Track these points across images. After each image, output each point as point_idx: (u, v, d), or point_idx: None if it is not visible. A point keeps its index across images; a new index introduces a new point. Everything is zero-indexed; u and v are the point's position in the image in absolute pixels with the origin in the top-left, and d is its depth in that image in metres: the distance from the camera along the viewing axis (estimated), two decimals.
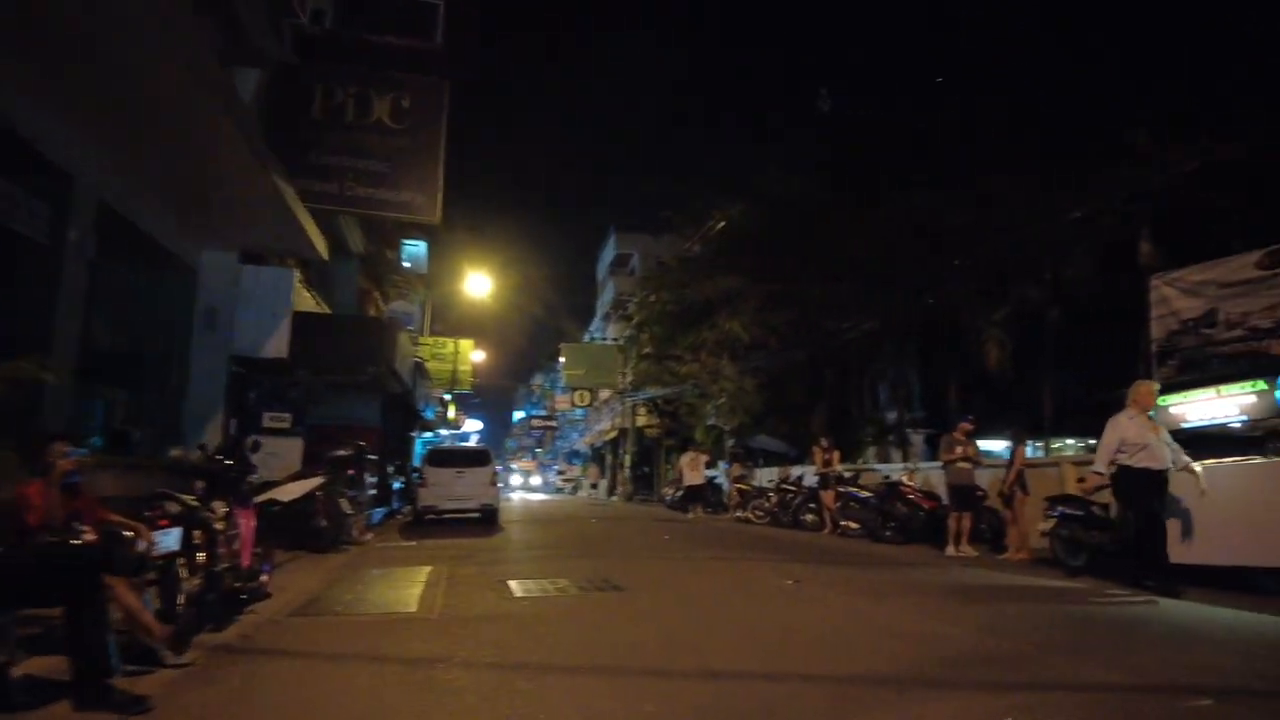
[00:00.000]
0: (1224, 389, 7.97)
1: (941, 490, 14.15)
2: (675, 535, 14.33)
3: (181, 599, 4.91)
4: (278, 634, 5.50)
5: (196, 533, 5.21)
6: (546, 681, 4.27)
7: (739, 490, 20.63)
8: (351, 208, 14.93)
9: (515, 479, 58.31)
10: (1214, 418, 8.08)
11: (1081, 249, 14.32)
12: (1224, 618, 6.20)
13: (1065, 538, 10.17)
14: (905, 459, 20.31)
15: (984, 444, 13.78)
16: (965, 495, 11.99)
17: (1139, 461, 7.37)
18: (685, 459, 20.14)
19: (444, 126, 15.33)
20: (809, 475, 19.46)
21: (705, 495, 20.42)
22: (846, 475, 16.51)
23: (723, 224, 22.97)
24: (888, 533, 13.83)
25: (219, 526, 5.69)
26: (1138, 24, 15.51)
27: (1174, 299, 13.23)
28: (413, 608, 6.50)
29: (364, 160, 14.98)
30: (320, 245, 12.54)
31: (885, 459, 20.67)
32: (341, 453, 12.09)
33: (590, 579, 8.03)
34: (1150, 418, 7.52)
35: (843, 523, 15.26)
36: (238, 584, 6.04)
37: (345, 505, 11.55)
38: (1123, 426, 7.54)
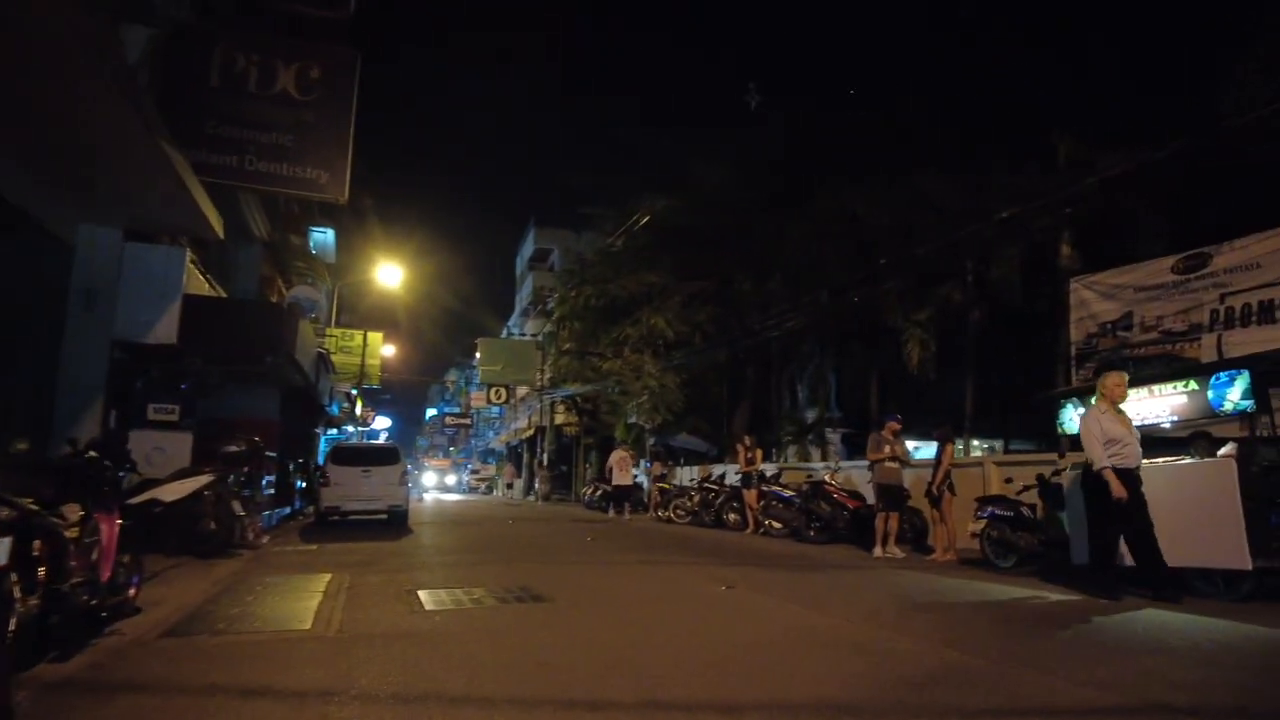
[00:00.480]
0: (1157, 389, 7.81)
1: (865, 490, 14.04)
2: (598, 537, 13.74)
3: (13, 625, 4.03)
4: (138, 661, 4.65)
5: (35, 542, 4.32)
6: (462, 717, 3.63)
7: (660, 489, 20.20)
8: (252, 184, 13.78)
9: (429, 478, 55.23)
10: (1145, 418, 7.93)
11: (1005, 251, 14.38)
12: (1175, 623, 6.01)
13: (995, 539, 10.06)
14: (824, 458, 20.29)
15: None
16: (893, 495, 11.79)
17: (1118, 461, 7.09)
18: (615, 457, 19.57)
19: (354, 100, 14.36)
20: (731, 474, 19.20)
21: (633, 495, 20.01)
22: (769, 474, 16.28)
23: (646, 219, 22.47)
24: (811, 532, 13.61)
25: (71, 534, 4.79)
26: (1072, 32, 15.72)
27: (1093, 301, 13.42)
28: (307, 624, 5.71)
29: (267, 133, 13.89)
30: (216, 222, 11.48)
31: (805, 458, 20.58)
32: (234, 448, 11.02)
33: (509, 588, 7.37)
34: (1120, 411, 7.29)
35: (766, 522, 14.98)
36: (95, 601, 5.14)
37: (237, 506, 10.52)
38: (1102, 421, 7.22)
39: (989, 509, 10.18)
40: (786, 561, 10.47)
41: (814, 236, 17.62)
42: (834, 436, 23.08)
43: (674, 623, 5.88)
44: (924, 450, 19.99)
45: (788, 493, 15.05)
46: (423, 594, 7.09)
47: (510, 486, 47.25)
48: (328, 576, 8.20)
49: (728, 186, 19.56)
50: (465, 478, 59.99)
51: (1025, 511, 10.13)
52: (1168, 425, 8.08)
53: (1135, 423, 8.46)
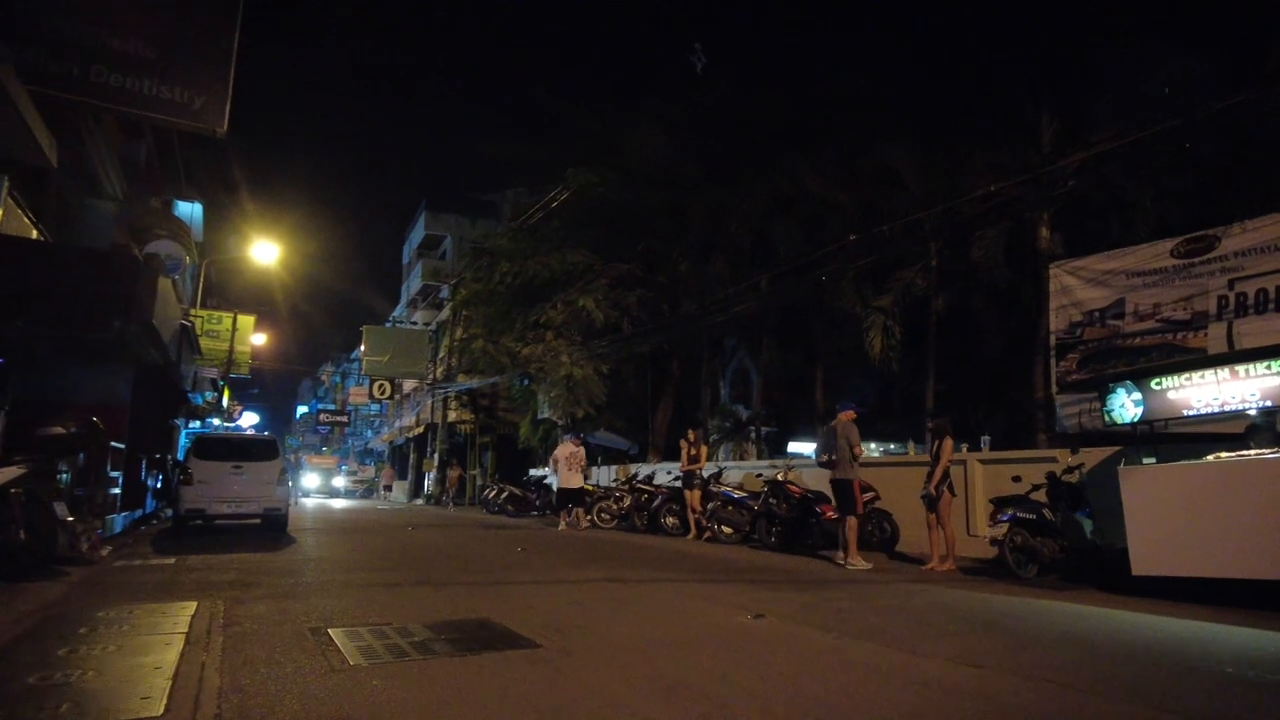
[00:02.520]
0: (1243, 369, 6.52)
1: (825, 490, 12.58)
2: (530, 547, 11.62)
3: None
4: None
5: None
6: None
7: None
8: (101, 100, 10.97)
9: (311, 479, 49.34)
10: (1226, 403, 6.63)
11: (978, 233, 13.24)
12: (1240, 639, 4.71)
13: (1019, 546, 8.70)
14: (758, 456, 18.84)
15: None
16: (849, 496, 10.22)
17: None
18: (562, 451, 16.14)
19: (239, 9, 11.79)
20: (662, 474, 17.43)
21: (584, 499, 16.72)
22: (708, 474, 14.63)
23: (567, 195, 20.43)
24: (772, 539, 12.00)
25: None
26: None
27: (1076, 288, 12.42)
28: (158, 706, 3.46)
29: (123, 39, 11.17)
30: (46, 143, 8.84)
31: (741, 456, 19.04)
32: (59, 430, 8.28)
33: (459, 624, 5.28)
34: None
35: (716, 526, 13.30)
36: None
37: (62, 509, 7.84)
38: None
39: (1010, 512, 8.81)
40: (770, 575, 8.76)
41: (761, 214, 16.11)
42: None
43: (739, 683, 3.96)
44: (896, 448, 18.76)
45: (738, 494, 13.42)
46: (337, 635, 4.91)
47: (388, 489, 43.78)
48: (192, 607, 5.84)
49: (663, 159, 17.81)
50: (343, 479, 55.16)
51: (1047, 515, 8.82)
52: (1253, 411, 6.80)
53: (1215, 407, 7.24)
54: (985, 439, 12.16)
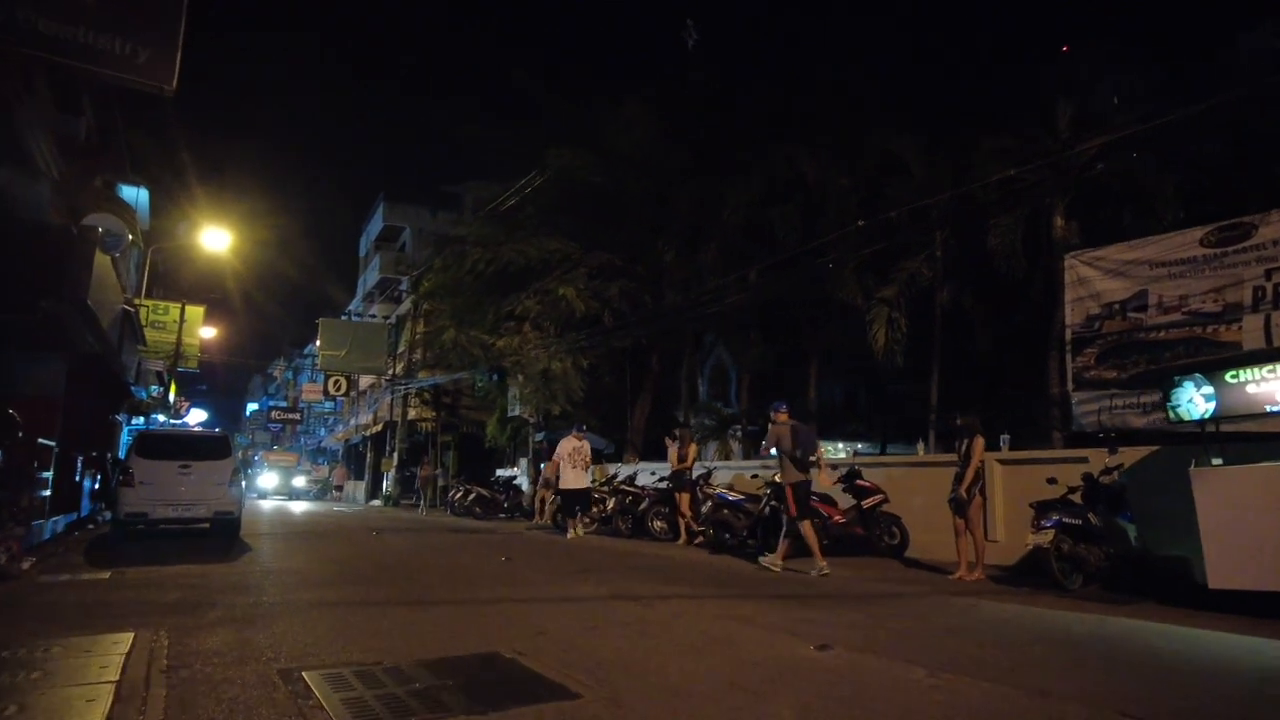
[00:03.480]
0: None
1: (829, 492, 11.77)
2: (512, 555, 10.55)
3: None
4: None
5: None
6: None
7: (549, 494, 17.13)
8: (30, 47, 9.57)
9: (268, 479, 43.46)
10: None
11: (988, 222, 12.52)
12: None
13: (1066, 554, 7.92)
14: (745, 455, 18.01)
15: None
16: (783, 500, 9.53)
17: None
18: (566, 447, 13.87)
19: None
20: (641, 474, 16.44)
21: (590, 502, 14.76)
22: (697, 475, 13.70)
23: (541, 181, 19.34)
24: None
25: None
26: None
27: (1095, 279, 11.75)
28: None
29: None
30: None
31: (727, 455, 18.17)
32: None
33: (465, 661, 4.27)
34: None
35: (708, 531, 12.39)
36: None
37: None
38: None
39: (1054, 517, 8.02)
40: (793, 588, 7.86)
41: (756, 202, 15.23)
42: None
43: None
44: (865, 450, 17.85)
45: (734, 496, 12.51)
46: (315, 680, 3.87)
47: (339, 489, 41.93)
48: (128, 640, 4.72)
49: (649, 144, 16.82)
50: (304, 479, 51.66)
51: (1092, 520, 8.07)
52: None
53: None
54: (1005, 438, 11.45)
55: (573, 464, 13.80)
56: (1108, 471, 8.80)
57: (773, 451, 9.59)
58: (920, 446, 14.46)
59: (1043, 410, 12.78)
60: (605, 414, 21.19)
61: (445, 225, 35.47)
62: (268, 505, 29.57)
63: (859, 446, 27.54)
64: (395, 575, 8.36)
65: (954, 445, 9.55)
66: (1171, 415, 7.38)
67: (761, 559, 9.61)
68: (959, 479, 9.06)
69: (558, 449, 14.03)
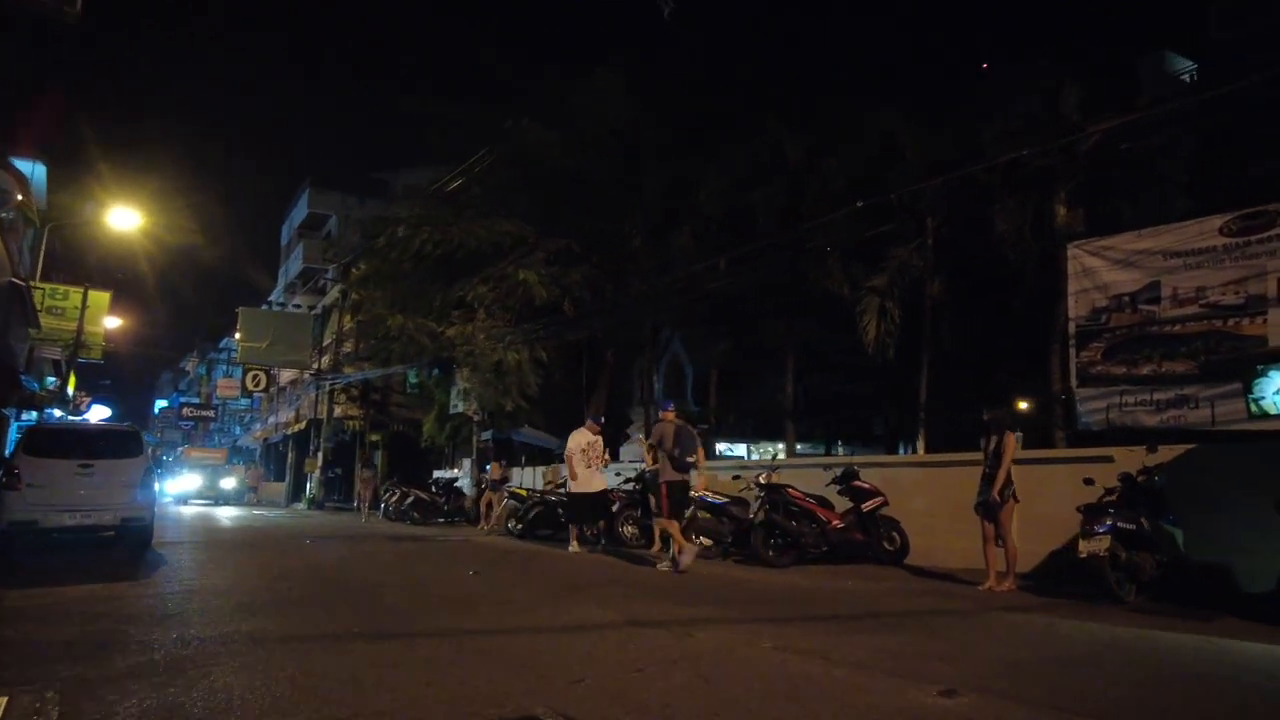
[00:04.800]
0: None
1: (827, 495, 10.82)
2: (476, 567, 9.20)
3: None
4: None
5: None
6: None
7: (511, 496, 15.75)
8: None
9: (188, 481, 36.50)
10: None
11: (985, 209, 11.79)
12: None
13: (1123, 563, 7.11)
14: (711, 453, 16.96)
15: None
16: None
17: None
18: (580, 441, 11.43)
19: None
20: (595, 476, 15.19)
21: (605, 510, 12.25)
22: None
23: (491, 160, 17.93)
24: (771, 552, 10.07)
25: None
26: None
27: (1101, 270, 11.10)
28: None
29: None
30: None
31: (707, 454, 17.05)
32: None
33: None
34: None
35: (695, 538, 11.27)
36: None
37: None
38: None
39: (1108, 522, 7.18)
40: (820, 604, 6.81)
41: (735, 187, 14.21)
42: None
43: None
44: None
45: (717, 498, 11.44)
46: None
47: (254, 490, 39.13)
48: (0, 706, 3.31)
49: (617, 122, 15.61)
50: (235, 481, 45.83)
51: (1145, 525, 7.29)
52: None
53: None
54: (1018, 435, 10.66)
55: (586, 462, 11.41)
56: (1146, 472, 8.08)
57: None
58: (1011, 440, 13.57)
59: (1044, 408, 12.10)
60: (551, 411, 19.87)
61: (375, 213, 33.66)
62: (189, 512, 25.76)
63: (799, 447, 26.86)
64: (350, 595, 6.97)
65: (979, 443, 8.69)
66: (1253, 408, 6.64)
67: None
68: (989, 480, 8.17)
69: (568, 444, 11.57)
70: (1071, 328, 11.30)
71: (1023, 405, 15.98)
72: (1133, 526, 7.20)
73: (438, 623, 5.57)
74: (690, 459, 9.28)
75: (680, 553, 9.07)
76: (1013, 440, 8.23)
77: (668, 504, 9.20)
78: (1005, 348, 13.75)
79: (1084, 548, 7.17)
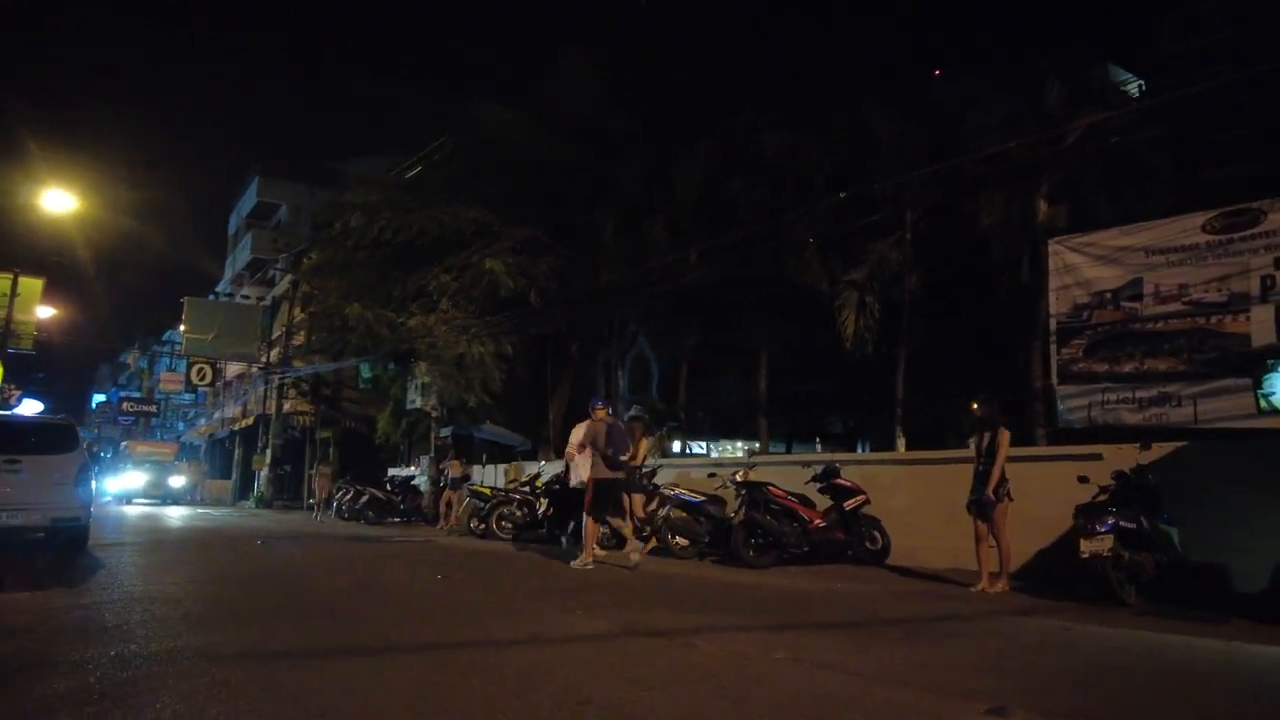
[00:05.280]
0: None
1: (807, 492, 10.50)
2: (450, 570, 8.65)
3: None
4: None
5: None
6: None
7: (473, 495, 15.15)
8: None
9: (132, 478, 31.84)
10: None
11: (965, 203, 11.59)
12: None
13: (1128, 564, 6.91)
14: (682, 450, 16.58)
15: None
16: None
17: None
18: (590, 430, 9.61)
19: None
20: (576, 474, 14.72)
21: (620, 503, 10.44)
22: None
23: (452, 148, 17.29)
24: (751, 552, 9.70)
25: None
26: None
27: (1083, 266, 10.97)
28: None
29: None
30: None
31: (662, 453, 16.66)
32: None
33: None
34: None
35: (671, 537, 10.90)
36: None
37: None
38: None
39: (1110, 521, 6.95)
40: (813, 608, 6.44)
41: (710, 177, 13.81)
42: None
43: None
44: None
45: (694, 496, 11.04)
46: None
47: (195, 488, 37.56)
48: None
49: (589, 108, 15.07)
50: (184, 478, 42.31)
51: (1145, 525, 7.08)
52: None
53: None
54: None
55: (602, 441, 9.40)
56: (1140, 470, 7.91)
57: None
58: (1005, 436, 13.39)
59: (1025, 405, 11.94)
60: (512, 408, 19.29)
61: (326, 203, 32.69)
62: (134, 512, 23.26)
63: (755, 445, 26.67)
64: (313, 603, 6.39)
65: (965, 441, 8.46)
66: (1263, 404, 6.45)
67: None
68: (981, 478, 7.91)
69: (582, 432, 9.97)
70: (1052, 324, 11.15)
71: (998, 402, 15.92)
72: (1134, 526, 6.98)
73: (415, 635, 5.05)
74: (622, 457, 9.16)
75: (590, 551, 9.13)
76: (1007, 437, 7.98)
77: (592, 502, 9.16)
78: (984, 344, 13.61)
79: (1086, 547, 6.93)
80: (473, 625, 5.38)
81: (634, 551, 9.10)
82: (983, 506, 7.88)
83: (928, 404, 13.71)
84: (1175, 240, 10.18)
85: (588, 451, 9.60)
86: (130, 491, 30.88)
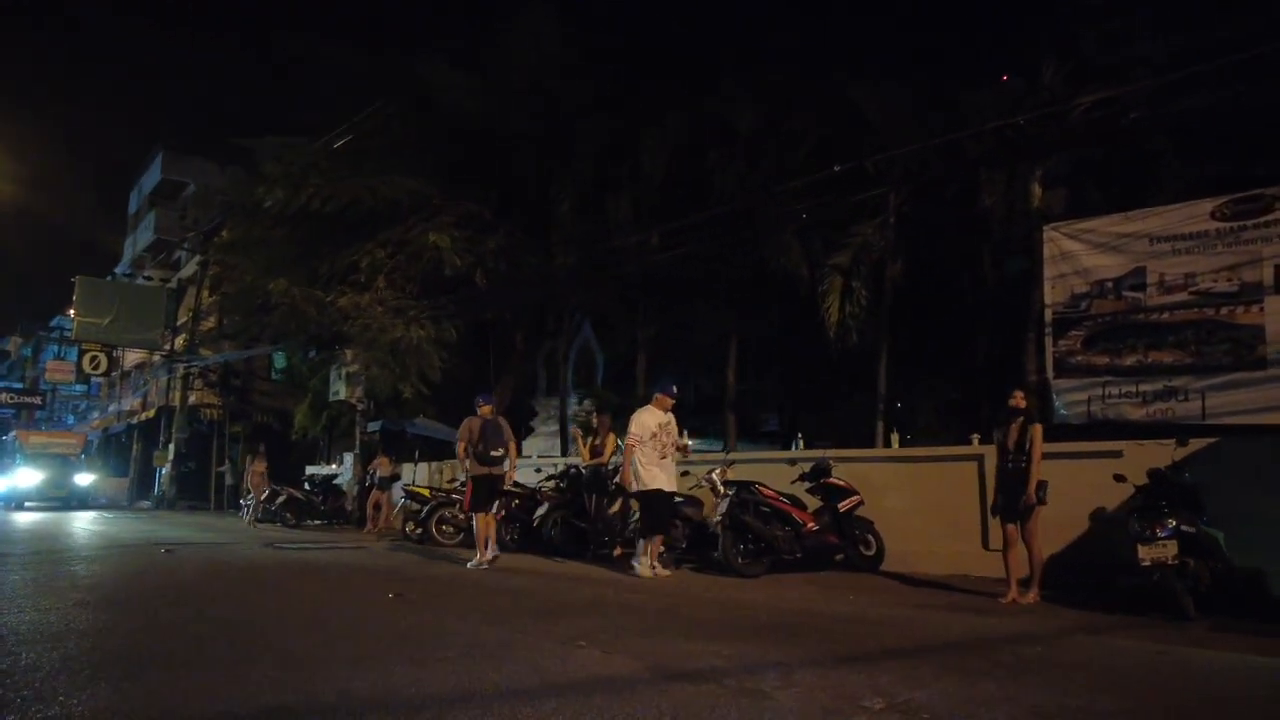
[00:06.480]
0: None
1: (795, 492, 9.57)
2: (401, 588, 7.34)
3: None
4: None
5: None
6: None
7: (411, 495, 13.70)
8: None
9: (28, 476, 25.87)
10: None
11: (984, 178, 10.85)
12: None
13: (1191, 572, 6.18)
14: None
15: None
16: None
17: None
18: (648, 422, 8.46)
19: None
20: (521, 471, 13.45)
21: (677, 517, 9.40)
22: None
23: (386, 115, 15.76)
24: (741, 559, 8.70)
25: None
26: None
27: (1081, 254, 10.38)
28: None
29: None
30: None
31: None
32: None
33: None
34: None
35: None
36: None
37: None
38: None
39: (1171, 525, 6.20)
40: (877, 633, 5.44)
41: (686, 151, 12.77)
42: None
43: None
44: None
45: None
46: None
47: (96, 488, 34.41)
48: None
49: (549, 70, 13.77)
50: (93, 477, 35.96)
51: (1205, 529, 6.38)
52: None
53: None
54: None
55: (660, 452, 8.38)
56: (1178, 467, 7.24)
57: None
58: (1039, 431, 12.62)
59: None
60: (451, 401, 17.85)
61: (236, 181, 30.39)
62: (23, 519, 18.64)
63: (691, 443, 25.80)
64: (238, 636, 5.03)
65: (993, 435, 7.63)
66: None
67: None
68: (1017, 478, 7.07)
69: (634, 427, 8.42)
70: (1048, 314, 10.54)
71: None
72: (1194, 530, 6.27)
73: (380, 682, 3.81)
74: (495, 453, 9.19)
75: (487, 548, 9.16)
76: (1041, 432, 7.20)
77: (470, 498, 9.34)
78: (978, 335, 12.95)
79: (1146, 554, 6.16)
80: (452, 667, 4.16)
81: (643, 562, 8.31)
82: (1017, 508, 7.06)
83: (913, 398, 13.05)
84: (1182, 227, 9.66)
85: (652, 445, 8.29)
86: (21, 493, 25.39)
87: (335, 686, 3.72)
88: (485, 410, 9.37)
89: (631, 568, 8.37)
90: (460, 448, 9.47)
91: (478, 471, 9.18)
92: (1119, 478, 7.15)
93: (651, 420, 8.45)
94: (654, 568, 8.35)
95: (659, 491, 8.39)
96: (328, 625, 5.40)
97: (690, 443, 9.09)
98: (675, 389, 8.68)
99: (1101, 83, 10.05)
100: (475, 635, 5.10)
